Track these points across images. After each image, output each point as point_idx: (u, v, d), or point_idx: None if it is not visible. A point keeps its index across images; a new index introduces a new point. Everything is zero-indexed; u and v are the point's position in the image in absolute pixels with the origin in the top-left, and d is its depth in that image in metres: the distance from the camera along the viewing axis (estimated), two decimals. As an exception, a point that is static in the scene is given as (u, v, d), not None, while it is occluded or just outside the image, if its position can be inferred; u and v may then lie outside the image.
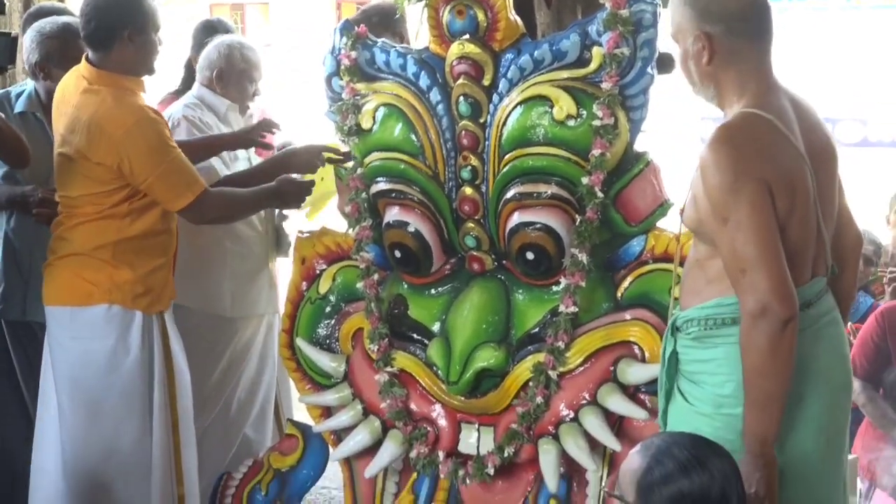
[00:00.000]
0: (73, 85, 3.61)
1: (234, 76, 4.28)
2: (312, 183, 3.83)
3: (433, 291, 3.55)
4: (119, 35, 3.52)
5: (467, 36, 3.32)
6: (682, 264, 2.93)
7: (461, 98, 3.33)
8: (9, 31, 4.20)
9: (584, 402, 3.32)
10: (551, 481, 3.32)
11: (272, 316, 4.34)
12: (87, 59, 3.61)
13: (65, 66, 4.07)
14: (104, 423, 3.61)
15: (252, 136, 4.11)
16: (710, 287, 2.68)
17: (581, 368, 3.33)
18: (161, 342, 3.64)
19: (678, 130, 10.64)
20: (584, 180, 3.23)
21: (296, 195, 3.83)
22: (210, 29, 4.80)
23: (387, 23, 4.09)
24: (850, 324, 4.25)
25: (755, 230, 2.51)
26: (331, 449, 3.75)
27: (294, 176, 3.81)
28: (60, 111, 3.63)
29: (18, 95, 4.24)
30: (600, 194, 3.23)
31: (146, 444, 3.63)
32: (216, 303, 4.14)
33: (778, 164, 2.57)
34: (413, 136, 3.41)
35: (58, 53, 4.09)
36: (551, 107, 3.23)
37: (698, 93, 2.78)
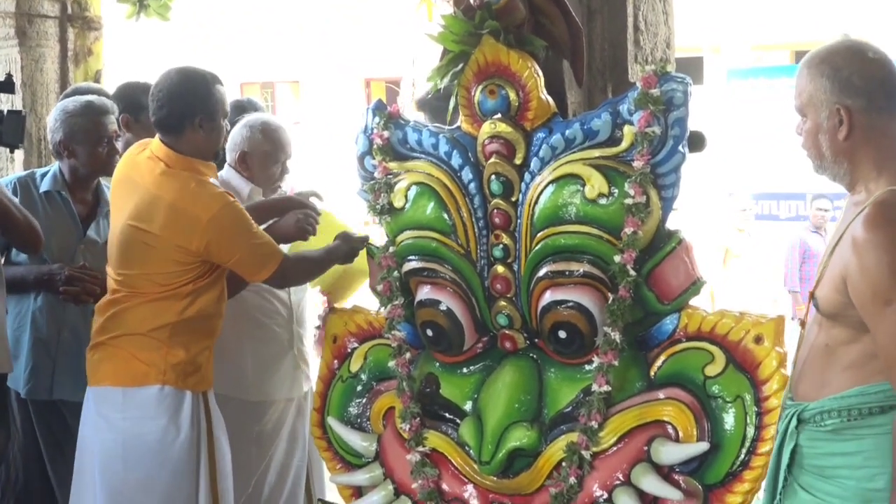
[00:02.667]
0: (143, 164, 3.64)
1: (258, 158, 4.26)
2: (367, 237, 3.83)
3: (465, 370, 3.53)
4: (190, 122, 3.59)
5: (499, 115, 3.34)
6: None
7: (493, 177, 3.34)
8: (20, 110, 4.26)
9: (618, 482, 3.27)
10: (585, 563, 3.28)
11: (302, 398, 4.31)
12: (162, 140, 3.65)
13: (88, 144, 4.12)
14: (153, 502, 3.59)
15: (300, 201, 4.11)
16: (846, 375, 2.58)
17: (614, 448, 3.29)
18: (206, 421, 3.65)
19: (707, 208, 10.66)
20: (617, 258, 3.22)
21: (354, 251, 3.84)
22: (239, 109, 4.81)
23: None
24: None
25: None
26: (362, 530, 3.72)
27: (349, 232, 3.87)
28: (126, 188, 3.66)
29: (44, 175, 4.28)
30: (633, 272, 3.22)
31: None
32: (239, 387, 4.12)
33: None
34: (445, 215, 3.42)
35: (81, 132, 4.14)
36: (583, 185, 3.24)
37: (824, 169, 2.66)
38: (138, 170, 3.64)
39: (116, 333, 3.64)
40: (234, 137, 4.27)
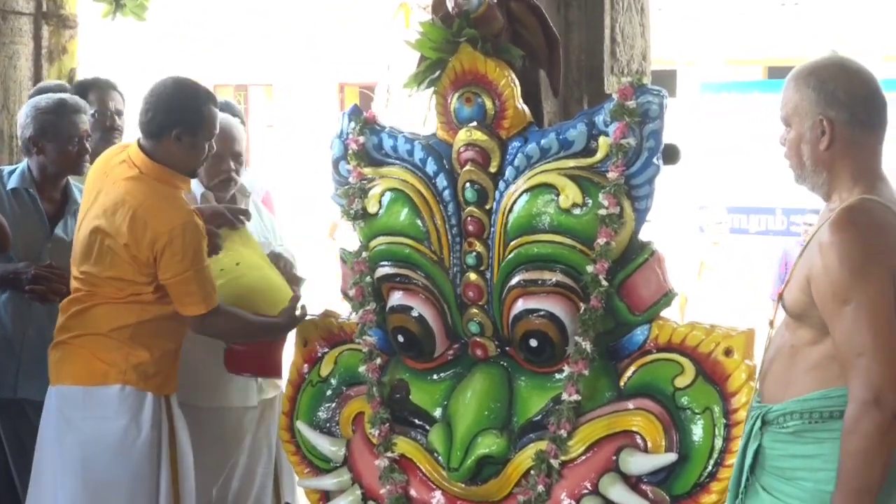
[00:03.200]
0: (118, 166, 3.62)
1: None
2: (305, 315, 3.81)
3: (435, 377, 3.53)
4: (169, 132, 3.56)
5: (475, 123, 3.35)
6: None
7: (467, 184, 3.34)
8: None
9: (586, 491, 3.28)
10: (552, 572, 3.29)
11: (267, 404, 4.26)
12: (139, 144, 3.63)
13: (58, 142, 4.09)
14: (112, 502, 3.57)
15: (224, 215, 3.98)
16: (809, 376, 2.62)
17: (583, 457, 3.30)
18: (168, 424, 3.63)
19: (678, 220, 10.71)
20: (589, 269, 3.23)
21: (291, 328, 3.84)
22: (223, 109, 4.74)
23: None
24: None
25: (877, 316, 2.45)
26: (329, 535, 3.71)
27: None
28: (96, 187, 3.64)
29: (11, 173, 4.24)
30: (605, 283, 3.23)
31: None
32: (193, 393, 3.99)
33: None
34: (419, 222, 3.42)
35: (52, 129, 4.10)
36: (557, 195, 3.25)
37: (804, 178, 2.69)
38: (112, 171, 3.63)
39: (78, 332, 3.63)
40: None
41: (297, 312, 3.75)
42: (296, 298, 3.79)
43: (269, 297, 3.84)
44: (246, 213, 4.06)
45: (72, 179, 4.31)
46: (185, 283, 3.53)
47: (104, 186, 3.61)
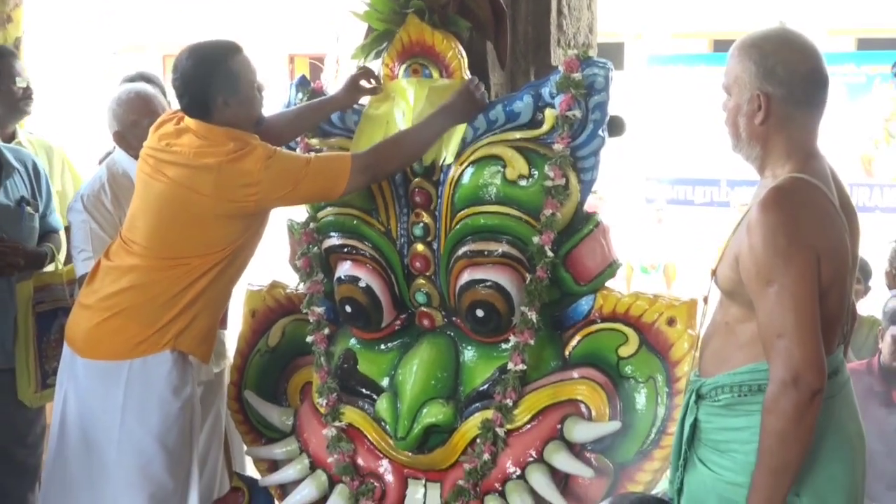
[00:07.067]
0: (178, 134, 3.40)
1: (131, 130, 3.99)
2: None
3: (383, 347, 3.54)
4: (213, 103, 3.34)
5: (422, 94, 3.33)
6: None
7: (415, 156, 3.33)
8: None
9: (531, 459, 3.31)
10: (497, 538, 3.31)
11: (216, 377, 4.18)
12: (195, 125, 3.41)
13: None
14: (164, 462, 3.46)
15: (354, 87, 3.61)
16: (742, 352, 2.62)
17: (528, 426, 3.32)
18: (192, 388, 3.54)
19: (625, 191, 10.76)
20: (535, 239, 3.24)
21: (478, 105, 3.38)
22: (138, 80, 4.53)
23: None
24: None
25: (798, 298, 2.46)
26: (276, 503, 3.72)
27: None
28: (163, 156, 3.40)
29: None
30: (550, 253, 3.25)
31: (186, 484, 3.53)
32: None
33: (827, 233, 2.52)
34: (366, 193, 3.41)
35: None
36: (504, 166, 3.25)
37: (739, 148, 2.69)
38: (176, 140, 3.40)
39: (128, 303, 3.43)
40: (107, 121, 4.05)
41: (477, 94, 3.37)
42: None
43: None
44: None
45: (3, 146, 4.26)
46: (312, 179, 3.28)
47: (171, 154, 3.38)
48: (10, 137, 4.61)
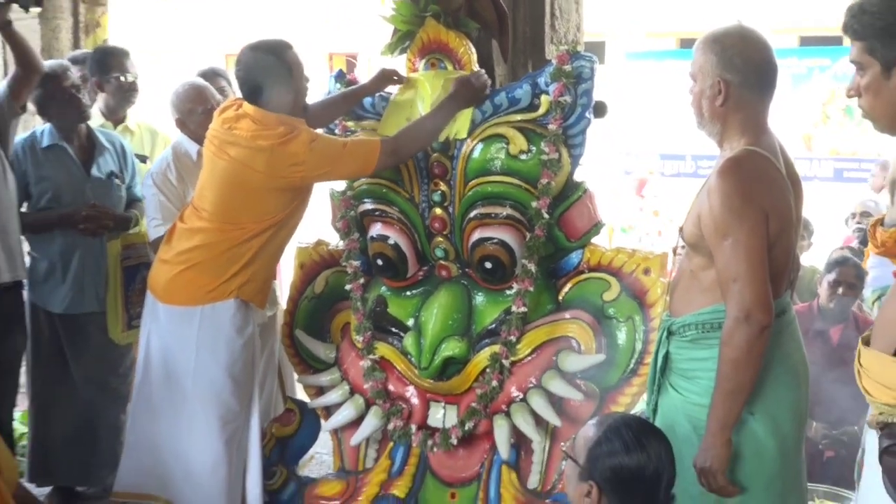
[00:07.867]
0: (238, 120, 3.35)
1: (188, 117, 3.98)
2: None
3: (408, 293, 3.52)
4: (261, 92, 3.30)
5: (439, 84, 3.31)
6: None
7: (434, 135, 3.30)
8: None
9: (531, 385, 3.31)
10: (503, 450, 3.31)
11: (269, 319, 4.19)
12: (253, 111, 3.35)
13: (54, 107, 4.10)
14: (232, 388, 3.45)
15: (383, 77, 3.56)
16: (705, 295, 2.62)
17: (529, 358, 3.32)
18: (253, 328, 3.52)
19: (607, 163, 10.72)
20: (534, 204, 3.23)
21: (478, 92, 3.33)
22: (209, 76, 4.60)
23: None
24: None
25: (749, 249, 2.46)
26: (322, 421, 3.72)
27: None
28: (225, 137, 3.35)
29: (42, 133, 4.17)
30: (546, 215, 3.23)
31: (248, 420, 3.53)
32: None
33: (775, 196, 2.52)
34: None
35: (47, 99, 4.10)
36: (507, 143, 3.23)
37: (703, 126, 2.67)
38: (236, 123, 3.35)
39: (198, 259, 3.40)
40: (170, 111, 4.03)
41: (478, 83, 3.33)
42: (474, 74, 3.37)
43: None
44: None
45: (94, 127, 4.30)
46: (350, 158, 3.26)
47: (232, 136, 3.32)
48: (120, 121, 4.65)
